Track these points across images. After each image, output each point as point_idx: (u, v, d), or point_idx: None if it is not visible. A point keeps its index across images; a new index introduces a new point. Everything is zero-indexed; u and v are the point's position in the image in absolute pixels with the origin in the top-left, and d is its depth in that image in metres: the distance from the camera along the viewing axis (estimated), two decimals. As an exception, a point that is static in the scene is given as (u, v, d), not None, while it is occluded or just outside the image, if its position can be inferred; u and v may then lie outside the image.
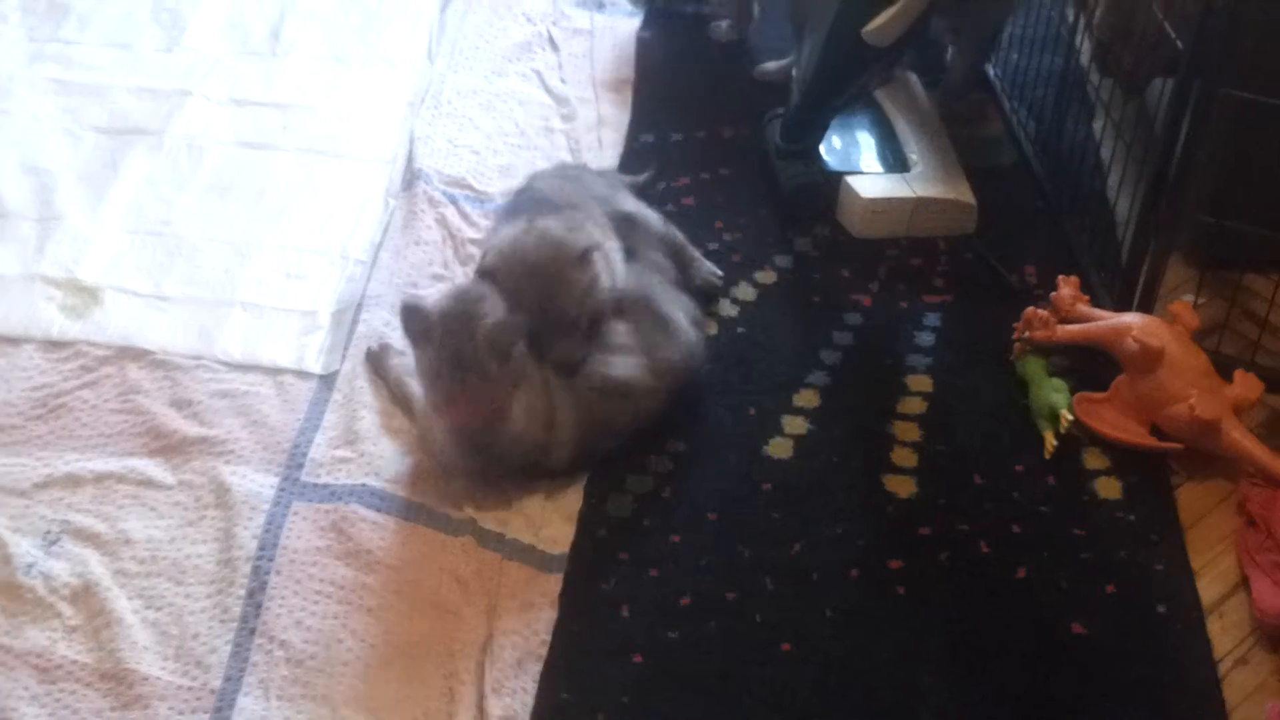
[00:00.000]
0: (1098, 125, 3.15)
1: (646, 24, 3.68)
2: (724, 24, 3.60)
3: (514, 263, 2.45)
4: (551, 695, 2.13)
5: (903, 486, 2.47)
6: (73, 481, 2.41)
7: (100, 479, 2.42)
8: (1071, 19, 3.27)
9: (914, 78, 3.31)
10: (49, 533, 2.33)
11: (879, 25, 2.79)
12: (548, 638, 2.20)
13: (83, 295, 2.77)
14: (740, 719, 2.14)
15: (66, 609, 2.22)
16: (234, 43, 3.52)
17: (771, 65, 3.45)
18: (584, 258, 2.45)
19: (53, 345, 2.66)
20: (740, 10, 3.58)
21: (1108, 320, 2.65)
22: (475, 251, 2.88)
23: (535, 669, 2.15)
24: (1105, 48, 3.08)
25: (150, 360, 2.63)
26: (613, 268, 2.54)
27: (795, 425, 2.57)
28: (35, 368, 2.62)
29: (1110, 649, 2.23)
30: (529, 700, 2.11)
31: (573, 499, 2.42)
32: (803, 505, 2.44)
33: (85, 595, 2.23)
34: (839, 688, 2.17)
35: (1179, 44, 2.60)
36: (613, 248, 2.58)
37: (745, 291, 2.86)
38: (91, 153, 3.15)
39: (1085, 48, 3.24)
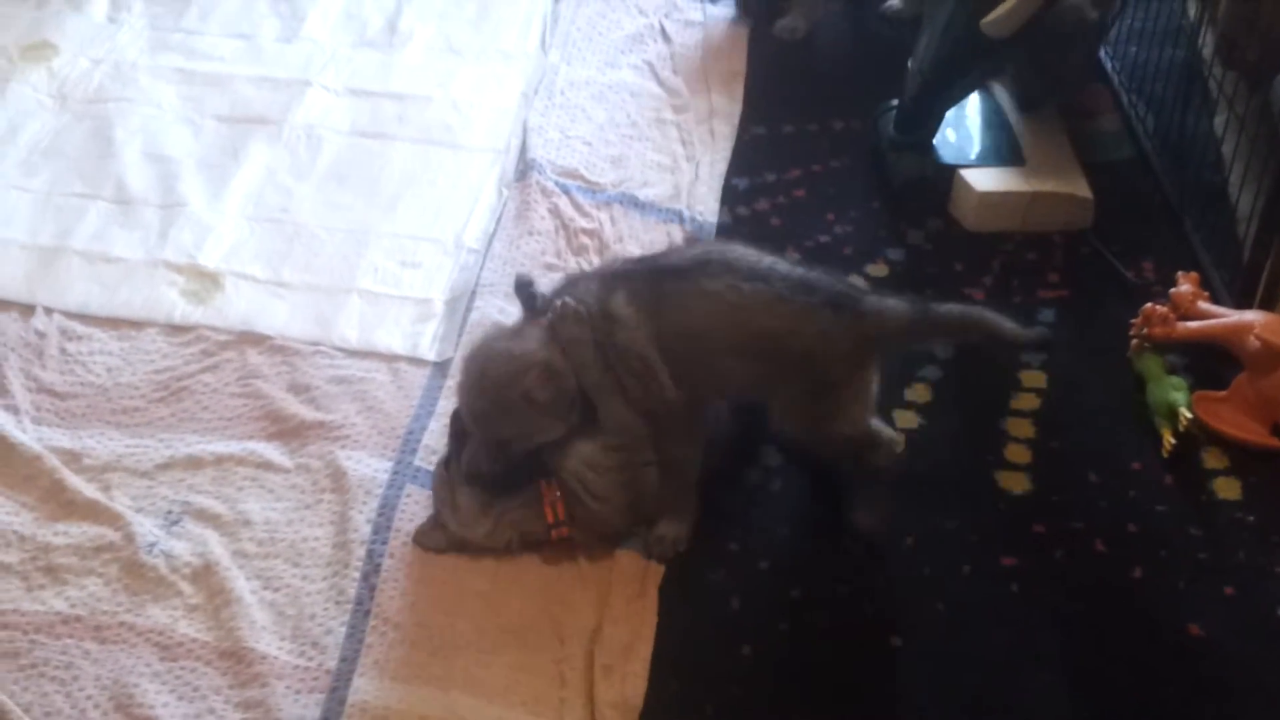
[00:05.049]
0: (1219, 120, 3.09)
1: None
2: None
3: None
4: (662, 685, 2.13)
5: (1016, 483, 2.45)
6: (193, 463, 2.46)
7: (220, 461, 2.46)
8: (1195, 11, 3.22)
9: (1030, 70, 3.27)
10: (170, 513, 2.37)
11: (998, 17, 2.76)
12: (656, 627, 2.21)
13: (204, 281, 2.82)
14: (850, 713, 2.13)
15: (187, 588, 2.26)
16: (351, 34, 3.56)
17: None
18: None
19: (175, 329, 2.71)
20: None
21: (1228, 318, 2.61)
22: (588, 242, 2.90)
23: (645, 656, 2.16)
24: (1230, 40, 3.02)
25: (269, 345, 2.67)
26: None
27: (907, 419, 2.56)
28: (158, 351, 2.67)
29: (1228, 652, 2.19)
30: (640, 686, 2.12)
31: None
32: (914, 500, 2.42)
33: (205, 575, 2.27)
34: (950, 684, 2.16)
35: (1307, 37, 2.56)
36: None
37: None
38: (213, 141, 3.20)
39: (1208, 40, 3.19)
